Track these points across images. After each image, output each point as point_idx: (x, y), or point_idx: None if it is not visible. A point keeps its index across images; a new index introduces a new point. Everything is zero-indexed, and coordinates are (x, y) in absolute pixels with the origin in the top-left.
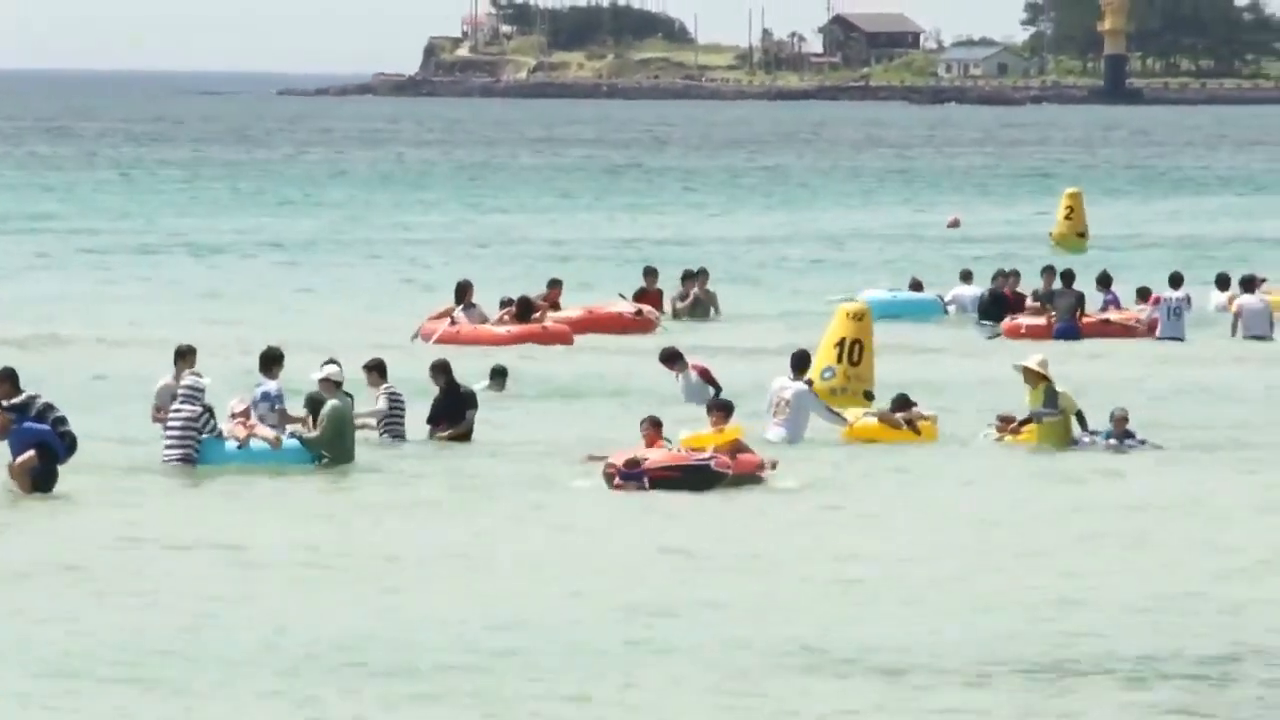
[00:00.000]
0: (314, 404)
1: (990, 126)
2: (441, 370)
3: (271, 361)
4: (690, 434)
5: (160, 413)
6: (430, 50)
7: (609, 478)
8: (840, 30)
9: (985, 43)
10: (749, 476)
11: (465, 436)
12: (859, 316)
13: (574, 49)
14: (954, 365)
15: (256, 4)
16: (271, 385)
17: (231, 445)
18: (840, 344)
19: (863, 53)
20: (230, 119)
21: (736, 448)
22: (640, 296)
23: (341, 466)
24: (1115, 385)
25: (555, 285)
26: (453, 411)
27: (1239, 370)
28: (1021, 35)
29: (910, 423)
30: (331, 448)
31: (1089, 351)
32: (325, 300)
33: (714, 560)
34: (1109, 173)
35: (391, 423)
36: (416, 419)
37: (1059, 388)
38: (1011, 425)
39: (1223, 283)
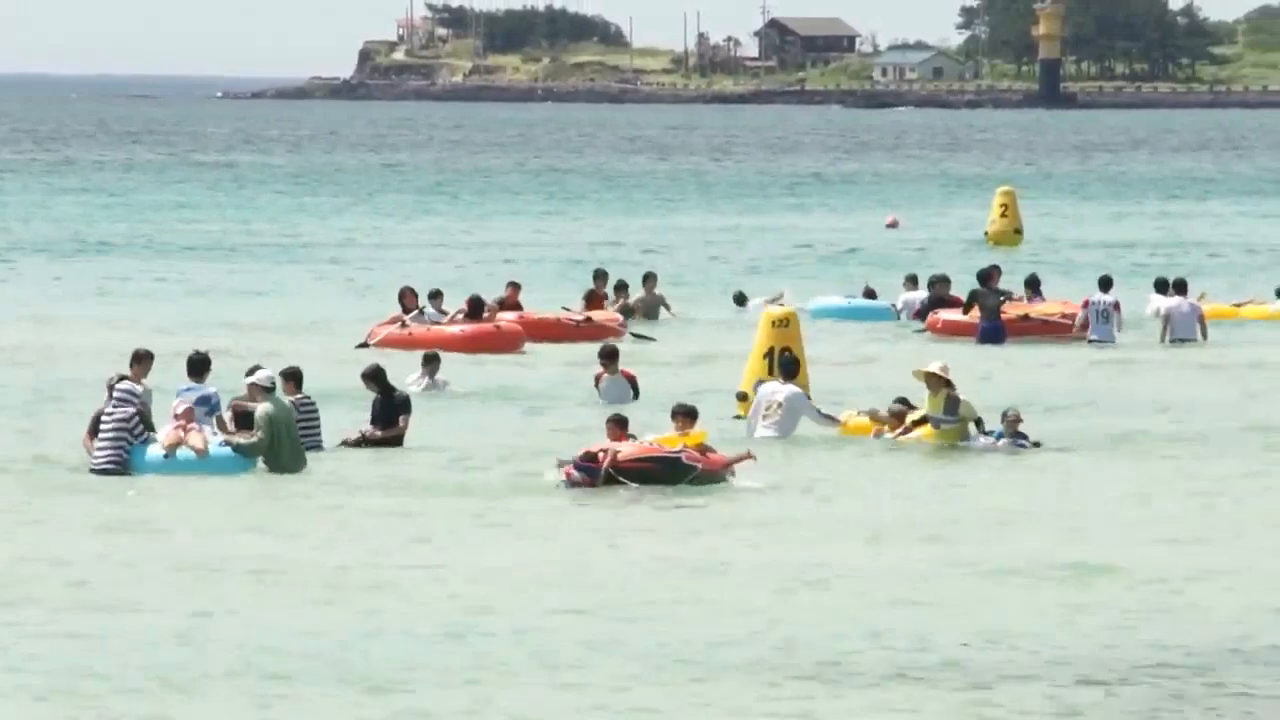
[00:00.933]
0: (237, 410)
1: (933, 129)
2: (373, 377)
3: (201, 367)
4: (656, 437)
5: None
6: (365, 54)
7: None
8: (776, 34)
9: (920, 46)
10: (717, 474)
11: (397, 441)
12: (784, 323)
13: (509, 52)
14: (902, 370)
15: (188, 8)
16: (209, 390)
17: (157, 452)
18: (769, 354)
19: (798, 56)
20: (169, 122)
21: (703, 449)
22: (591, 299)
23: (283, 473)
24: (1039, 388)
25: (514, 286)
26: (388, 417)
27: (1161, 374)
28: (956, 39)
29: (900, 419)
30: (269, 453)
31: (1015, 354)
32: (269, 305)
33: (665, 561)
34: (1050, 175)
35: (306, 433)
36: (337, 427)
37: (960, 395)
38: (905, 425)
39: (1161, 287)
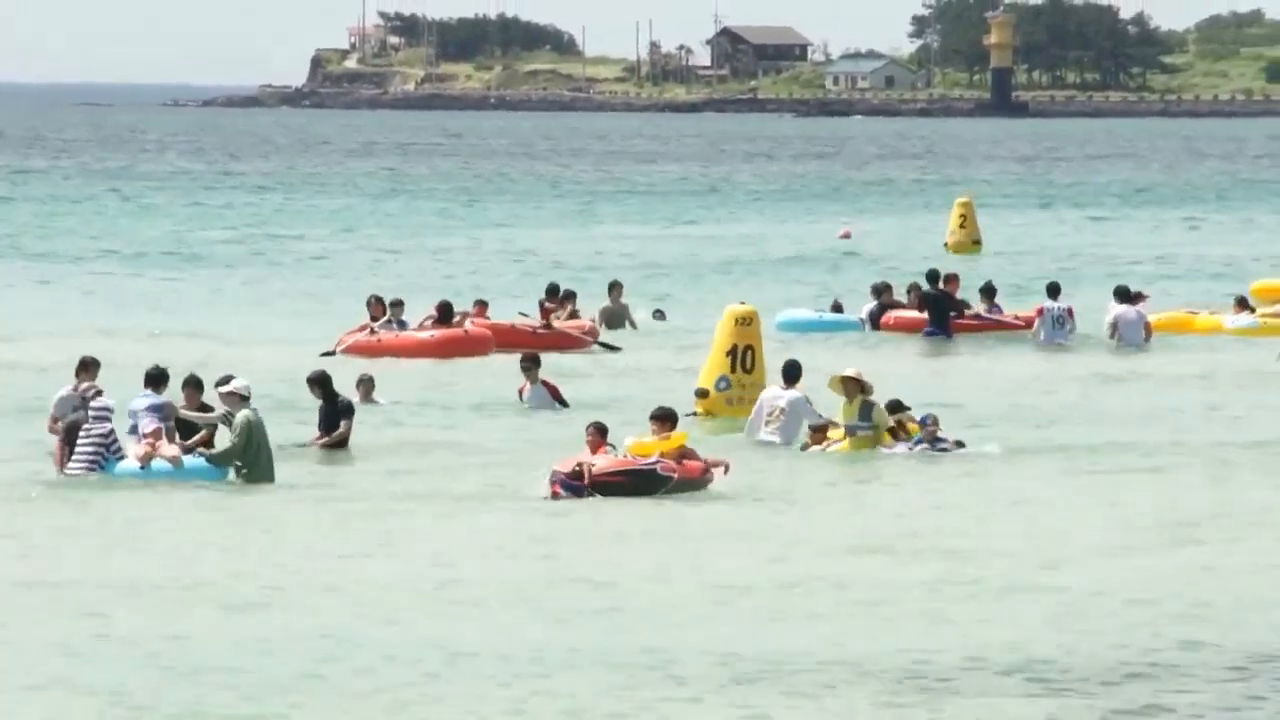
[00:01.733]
0: (184, 424)
1: (887, 138)
2: (318, 382)
3: (159, 380)
4: (636, 440)
5: (57, 423)
6: (317, 62)
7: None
8: (728, 43)
9: (872, 55)
10: (694, 481)
11: (340, 444)
12: (747, 321)
13: (462, 61)
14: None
15: (137, 15)
16: (159, 399)
17: (132, 464)
18: (732, 351)
19: (750, 65)
20: (124, 130)
21: (683, 454)
22: (543, 313)
23: (259, 484)
24: (988, 393)
25: (480, 305)
26: (331, 423)
27: (1105, 379)
28: (908, 48)
29: (901, 425)
30: (245, 459)
31: (962, 360)
32: (232, 312)
33: (621, 569)
34: (1007, 183)
35: None
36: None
37: (874, 399)
38: (827, 441)
39: (1121, 295)
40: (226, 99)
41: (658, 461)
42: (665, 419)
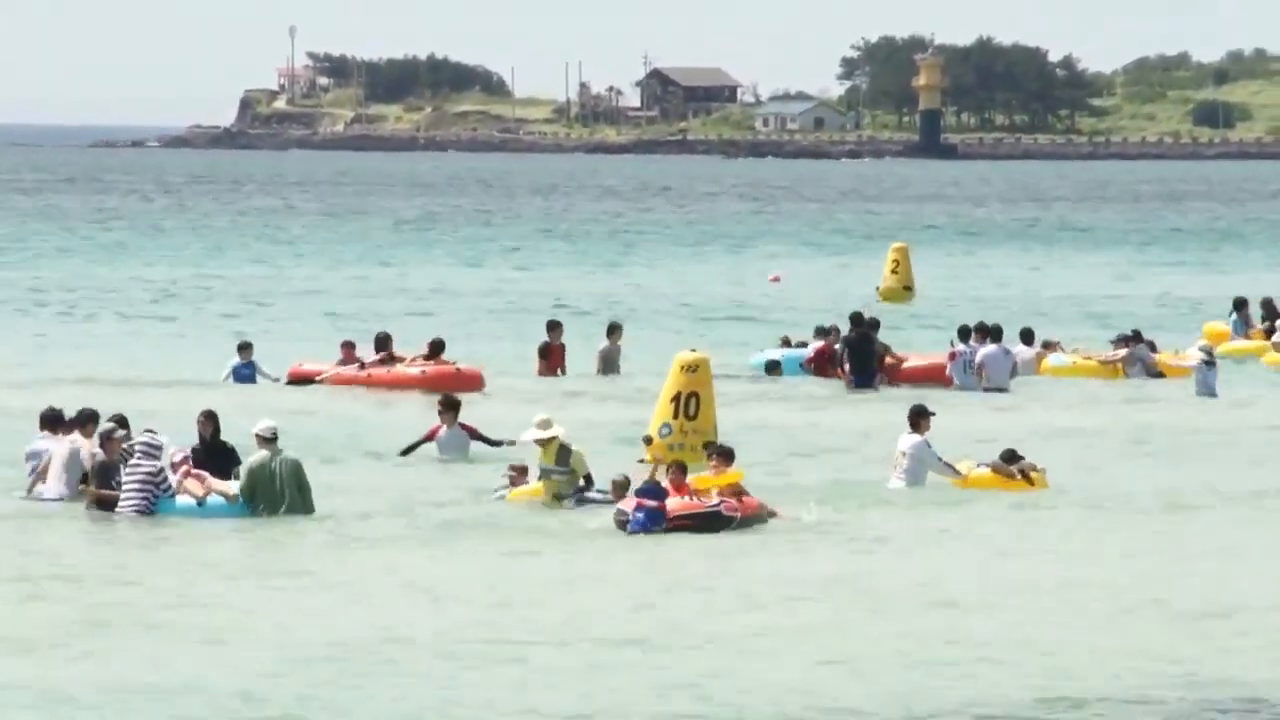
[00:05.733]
0: (103, 470)
1: (809, 178)
2: (210, 419)
3: (55, 421)
4: (692, 478)
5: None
6: (246, 102)
7: (621, 524)
8: (658, 84)
9: (802, 97)
10: (755, 516)
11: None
12: (693, 369)
13: (391, 102)
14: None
15: (66, 54)
16: (44, 445)
17: (188, 502)
18: (676, 399)
19: (680, 107)
20: (55, 170)
21: (737, 491)
22: (546, 351)
23: (271, 522)
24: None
25: (348, 346)
26: (214, 466)
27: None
28: (837, 90)
29: (1024, 473)
30: (262, 502)
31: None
32: (187, 349)
33: (652, 610)
34: (936, 226)
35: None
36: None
37: (574, 447)
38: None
39: (1026, 337)
40: (156, 140)
41: (721, 503)
42: (723, 456)
